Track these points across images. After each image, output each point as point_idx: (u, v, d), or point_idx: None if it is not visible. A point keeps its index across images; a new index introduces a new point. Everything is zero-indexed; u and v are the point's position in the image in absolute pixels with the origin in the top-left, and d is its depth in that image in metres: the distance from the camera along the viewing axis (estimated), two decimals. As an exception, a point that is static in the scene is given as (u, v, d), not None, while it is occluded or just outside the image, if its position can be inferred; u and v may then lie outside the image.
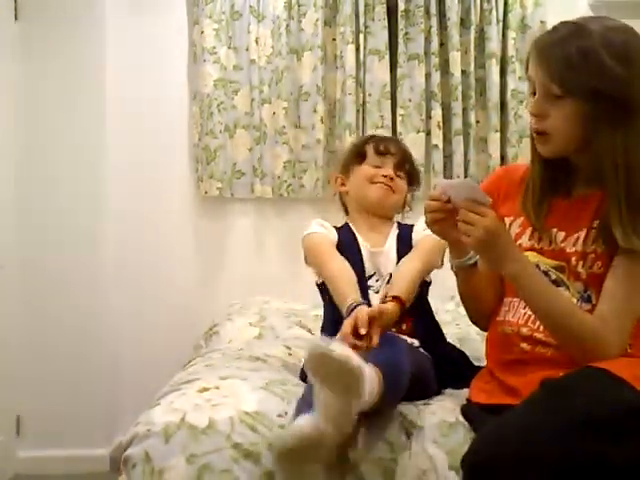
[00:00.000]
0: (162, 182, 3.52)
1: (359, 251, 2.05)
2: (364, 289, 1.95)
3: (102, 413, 3.28)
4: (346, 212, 2.22)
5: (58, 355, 3.25)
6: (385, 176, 2.08)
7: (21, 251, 3.23)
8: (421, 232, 2.03)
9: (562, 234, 1.60)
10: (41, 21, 3.26)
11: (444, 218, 1.58)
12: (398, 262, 2.01)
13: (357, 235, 2.09)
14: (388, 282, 1.98)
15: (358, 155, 2.15)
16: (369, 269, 2.03)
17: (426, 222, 1.63)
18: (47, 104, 3.27)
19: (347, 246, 2.05)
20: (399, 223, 2.17)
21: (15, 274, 3.20)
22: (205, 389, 1.65)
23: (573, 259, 1.57)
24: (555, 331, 1.53)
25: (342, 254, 2.01)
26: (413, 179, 2.19)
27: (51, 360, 3.25)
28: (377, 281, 2.02)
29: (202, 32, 3.41)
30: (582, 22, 1.52)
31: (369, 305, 1.83)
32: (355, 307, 1.76)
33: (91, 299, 3.29)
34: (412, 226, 2.11)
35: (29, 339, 3.23)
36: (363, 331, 1.63)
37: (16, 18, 3.23)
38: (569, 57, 1.47)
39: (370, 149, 2.13)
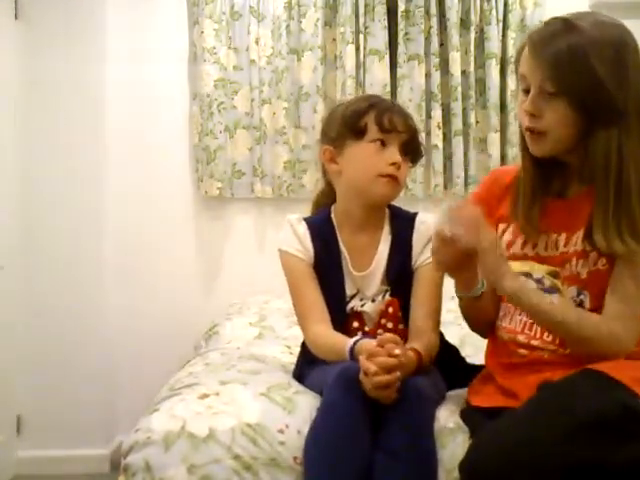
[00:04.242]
0: (162, 182, 3.52)
1: (340, 271, 1.81)
2: (341, 315, 1.80)
3: (102, 413, 3.29)
4: (327, 193, 1.95)
5: (58, 355, 3.26)
6: (394, 164, 1.74)
7: (21, 252, 3.22)
8: (422, 258, 1.80)
9: (563, 236, 1.57)
10: (41, 21, 3.25)
11: (452, 258, 1.54)
12: (386, 283, 1.81)
13: (340, 244, 1.83)
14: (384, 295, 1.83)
15: (355, 129, 1.77)
16: (351, 289, 1.81)
17: (434, 266, 1.60)
18: (47, 103, 3.26)
19: (327, 266, 1.81)
20: (392, 213, 1.87)
21: (15, 275, 3.19)
22: (205, 395, 1.64)
23: (574, 259, 1.54)
24: (566, 339, 1.53)
25: (319, 274, 1.81)
26: (417, 158, 1.85)
27: (51, 360, 3.25)
28: (361, 300, 1.82)
29: (202, 32, 3.41)
30: (574, 18, 1.50)
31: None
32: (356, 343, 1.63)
33: (91, 299, 3.29)
34: (409, 225, 1.83)
35: (29, 339, 3.23)
36: (397, 351, 1.51)
37: (16, 17, 3.23)
38: (560, 55, 1.46)
39: (372, 123, 1.75)
